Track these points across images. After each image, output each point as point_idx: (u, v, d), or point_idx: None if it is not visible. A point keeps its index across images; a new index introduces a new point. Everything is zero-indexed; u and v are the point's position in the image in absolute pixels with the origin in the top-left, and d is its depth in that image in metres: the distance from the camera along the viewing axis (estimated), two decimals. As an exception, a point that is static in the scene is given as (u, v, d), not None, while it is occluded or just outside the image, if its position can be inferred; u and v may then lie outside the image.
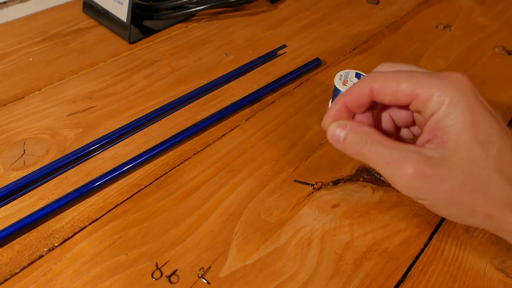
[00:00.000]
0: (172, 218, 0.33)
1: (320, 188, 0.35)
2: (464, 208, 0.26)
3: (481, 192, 0.25)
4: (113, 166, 0.36)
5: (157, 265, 0.30)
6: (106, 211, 0.33)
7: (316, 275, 0.29)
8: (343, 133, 0.28)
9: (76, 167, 0.37)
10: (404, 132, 0.31)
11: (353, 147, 0.28)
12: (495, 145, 0.25)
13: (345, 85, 0.39)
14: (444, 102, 0.26)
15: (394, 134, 0.31)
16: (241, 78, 0.47)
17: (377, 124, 0.30)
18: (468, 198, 0.26)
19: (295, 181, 0.36)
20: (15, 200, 0.34)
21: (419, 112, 0.27)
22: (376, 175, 0.36)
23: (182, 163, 0.37)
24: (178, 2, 0.54)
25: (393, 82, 0.27)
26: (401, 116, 0.30)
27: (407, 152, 0.26)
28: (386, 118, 0.30)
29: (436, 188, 0.26)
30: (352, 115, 0.29)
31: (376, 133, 0.27)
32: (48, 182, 0.36)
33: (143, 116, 0.42)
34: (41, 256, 0.30)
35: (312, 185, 0.35)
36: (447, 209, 0.27)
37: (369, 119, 0.29)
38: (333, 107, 0.29)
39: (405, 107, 0.28)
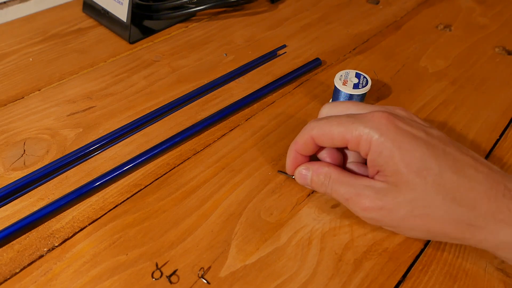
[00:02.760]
0: (172, 218, 0.33)
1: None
2: (420, 230, 0.28)
3: (429, 216, 0.27)
4: (113, 166, 0.36)
5: (157, 265, 0.30)
6: (106, 211, 0.33)
7: (316, 275, 0.29)
8: (309, 175, 0.32)
9: (76, 167, 0.37)
10: None
11: (319, 187, 0.31)
12: (432, 170, 0.26)
13: (345, 85, 0.39)
14: (372, 143, 0.28)
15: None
16: (241, 78, 0.47)
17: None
18: (420, 222, 0.27)
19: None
20: (15, 200, 0.34)
21: (358, 152, 0.30)
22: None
23: (182, 163, 0.37)
24: (178, 2, 0.54)
25: (327, 131, 0.29)
26: None
27: (361, 188, 0.29)
28: None
29: (389, 217, 0.28)
30: (308, 158, 0.33)
31: (335, 172, 0.30)
32: (48, 182, 0.36)
33: (143, 116, 0.42)
34: (41, 256, 0.30)
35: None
36: (408, 232, 0.29)
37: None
38: (289, 156, 0.33)
39: None
